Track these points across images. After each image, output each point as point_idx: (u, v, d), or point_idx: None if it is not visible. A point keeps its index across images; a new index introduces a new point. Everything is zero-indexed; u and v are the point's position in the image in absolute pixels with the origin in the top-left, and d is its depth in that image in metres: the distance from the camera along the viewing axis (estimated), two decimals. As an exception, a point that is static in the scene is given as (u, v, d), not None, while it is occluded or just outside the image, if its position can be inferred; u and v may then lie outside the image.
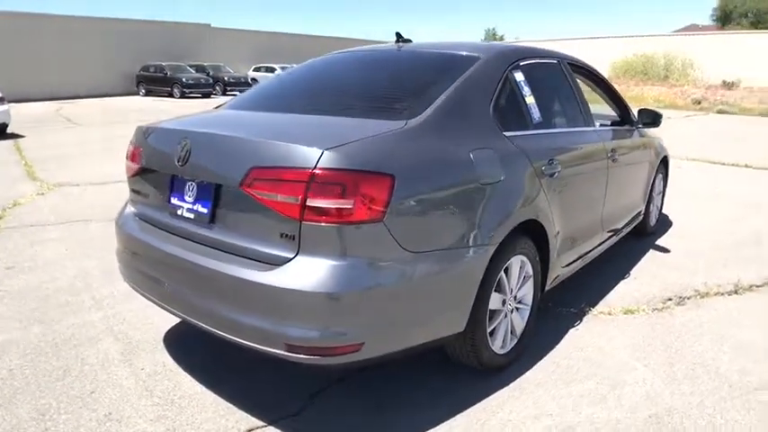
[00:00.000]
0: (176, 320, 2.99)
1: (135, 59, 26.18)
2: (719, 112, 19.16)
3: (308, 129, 2.23)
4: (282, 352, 1.88)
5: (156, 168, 2.37)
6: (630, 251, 4.17)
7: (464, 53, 2.67)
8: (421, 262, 1.96)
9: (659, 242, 4.46)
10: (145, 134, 2.47)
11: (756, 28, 37.45)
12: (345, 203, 1.80)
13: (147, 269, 2.35)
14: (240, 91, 27.11)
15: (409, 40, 3.03)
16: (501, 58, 2.65)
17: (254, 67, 31.67)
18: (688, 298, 3.35)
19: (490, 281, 2.23)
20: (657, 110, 4.00)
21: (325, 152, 1.82)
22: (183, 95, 24.07)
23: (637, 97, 22.25)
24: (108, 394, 2.34)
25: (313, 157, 1.82)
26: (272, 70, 30.73)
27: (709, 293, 3.41)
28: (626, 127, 3.78)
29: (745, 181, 7.09)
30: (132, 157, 2.51)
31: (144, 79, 25.82)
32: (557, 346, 2.74)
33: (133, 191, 2.58)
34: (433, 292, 2.05)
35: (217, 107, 2.96)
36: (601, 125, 3.54)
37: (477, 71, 2.48)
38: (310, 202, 1.81)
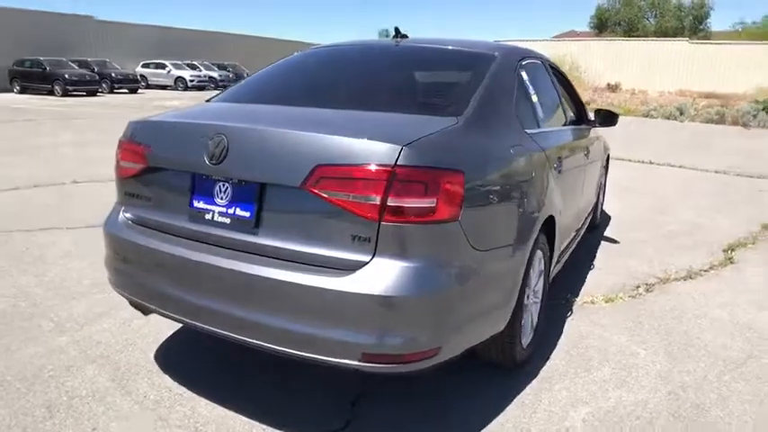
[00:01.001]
0: (163, 338, 2.73)
1: (7, 53, 23.56)
2: (605, 112, 20.97)
3: (365, 124, 2.08)
4: (358, 363, 1.75)
5: (173, 167, 2.10)
6: (585, 243, 4.43)
7: (480, 51, 2.69)
8: (486, 260, 1.94)
9: (606, 234, 4.78)
10: (154, 129, 2.21)
11: (629, 35, 41.27)
12: (428, 202, 1.72)
13: (161, 281, 2.08)
14: (130, 89, 25.37)
15: (406, 36, 2.98)
16: (512, 57, 2.69)
17: (142, 63, 29.76)
18: (653, 284, 3.62)
19: (525, 277, 2.25)
20: (613, 110, 4.27)
21: (405, 148, 1.72)
22: (65, 93, 22.04)
23: (531, 99, 23.77)
24: (114, 429, 2.06)
25: (392, 153, 1.71)
26: (162, 66, 29.07)
27: (669, 279, 3.72)
28: (587, 126, 4.01)
29: (652, 175, 7.81)
30: (131, 155, 2.21)
31: (19, 75, 23.31)
32: (561, 337, 2.84)
33: (128, 194, 2.27)
34: (492, 290, 2.03)
35: (209, 100, 2.73)
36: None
37: (499, 69, 2.50)
38: (391, 202, 1.69)
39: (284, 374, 2.41)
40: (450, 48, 2.81)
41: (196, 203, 2.03)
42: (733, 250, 4.36)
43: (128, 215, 2.28)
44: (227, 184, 1.96)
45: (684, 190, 6.82)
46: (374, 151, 1.73)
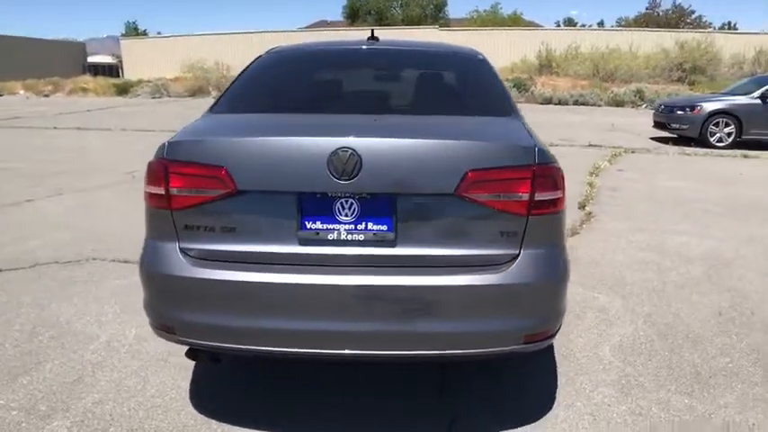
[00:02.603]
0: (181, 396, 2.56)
1: None
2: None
3: (465, 127, 2.25)
4: (520, 346, 2.02)
5: (269, 189, 1.95)
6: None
7: (469, 52, 3.02)
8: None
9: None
10: (233, 148, 1.99)
11: (380, 25, 44.62)
12: (559, 194, 2.02)
13: (266, 315, 1.95)
14: None
15: (377, 39, 3.07)
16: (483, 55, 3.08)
17: None
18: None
19: None
20: None
21: (537, 148, 1.99)
22: None
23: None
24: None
25: (532, 153, 1.97)
26: None
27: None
28: None
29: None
30: (198, 180, 1.95)
31: None
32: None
33: (190, 226, 1.98)
34: None
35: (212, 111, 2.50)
36: None
37: (493, 68, 2.87)
38: (538, 197, 1.94)
39: (355, 389, 2.54)
40: (450, 50, 3.10)
41: (310, 225, 1.94)
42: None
43: (190, 251, 2.01)
44: (351, 200, 1.93)
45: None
46: (517, 153, 1.98)
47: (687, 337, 3.09)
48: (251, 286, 1.94)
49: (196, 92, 23.26)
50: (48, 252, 4.32)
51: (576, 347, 2.95)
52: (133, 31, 56.02)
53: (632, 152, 9.77)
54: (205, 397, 2.47)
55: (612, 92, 20.62)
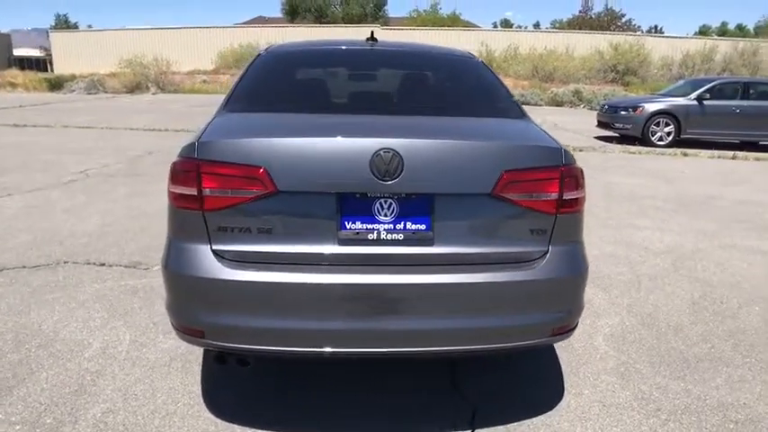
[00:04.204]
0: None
1: None
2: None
3: (491, 129, 2.32)
4: (547, 339, 2.11)
5: (308, 190, 1.93)
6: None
7: (466, 53, 3.10)
8: None
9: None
10: (271, 148, 1.94)
11: (320, 22, 44.33)
12: (582, 193, 2.13)
13: (303, 316, 1.93)
14: None
15: (375, 40, 3.08)
16: None
17: None
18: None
19: None
20: None
21: (563, 150, 2.10)
22: None
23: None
24: None
25: (559, 154, 2.07)
26: None
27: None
28: None
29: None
30: (234, 181, 1.91)
31: None
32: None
33: (223, 228, 1.93)
34: None
35: (228, 111, 2.43)
36: None
37: (492, 71, 2.97)
38: (566, 196, 2.04)
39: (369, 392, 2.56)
40: (450, 53, 3.15)
41: (349, 225, 1.95)
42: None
43: (224, 252, 1.95)
44: (390, 200, 1.95)
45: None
46: (547, 154, 2.08)
47: (669, 326, 3.29)
48: (289, 287, 1.92)
49: (134, 88, 22.31)
50: (11, 257, 4.05)
51: (572, 338, 3.06)
52: (63, 23, 53.02)
53: (580, 150, 10.20)
54: (220, 400, 2.41)
55: (552, 92, 21.43)
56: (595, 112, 13.03)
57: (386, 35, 30.94)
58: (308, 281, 1.91)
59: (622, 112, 11.39)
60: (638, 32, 34.88)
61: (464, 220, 2.02)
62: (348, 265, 1.95)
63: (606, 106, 12.25)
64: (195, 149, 1.95)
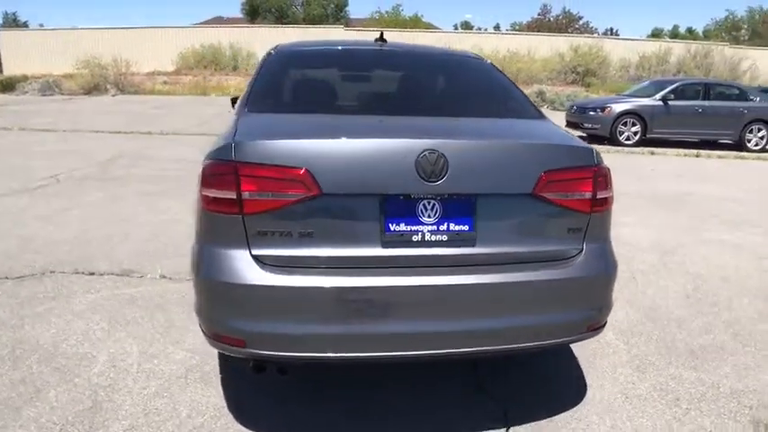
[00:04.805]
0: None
1: None
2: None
3: (520, 129, 2.36)
4: (581, 335, 2.15)
5: (351, 192, 1.89)
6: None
7: (477, 56, 3.13)
8: None
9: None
10: (315, 149, 1.90)
11: (281, 23, 43.87)
12: (611, 192, 2.18)
13: (348, 321, 1.90)
14: None
15: (385, 41, 3.07)
16: None
17: None
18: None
19: None
20: None
21: (594, 150, 2.14)
22: None
23: (219, 86, 23.65)
24: None
25: (592, 154, 2.12)
26: None
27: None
28: None
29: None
30: (277, 184, 1.85)
31: None
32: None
33: (263, 232, 1.86)
34: None
35: (248, 111, 2.35)
36: None
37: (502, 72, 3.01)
38: (599, 195, 2.09)
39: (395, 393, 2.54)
40: (457, 54, 3.22)
41: (393, 227, 1.92)
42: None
43: (264, 258, 1.89)
44: (433, 202, 1.93)
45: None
46: (582, 155, 2.12)
47: (671, 319, 3.39)
48: (333, 291, 1.87)
49: (92, 89, 21.48)
50: (-9, 267, 3.83)
51: (583, 334, 3.12)
52: (12, 22, 50.75)
53: (552, 150, 10.40)
54: (247, 412, 2.33)
55: (517, 93, 21.75)
56: (559, 113, 13.35)
57: (350, 35, 30.81)
58: (353, 284, 1.88)
59: (591, 113, 11.70)
60: (595, 35, 35.93)
61: (505, 220, 2.03)
62: (393, 267, 1.93)
63: (575, 107, 12.56)
64: (232, 151, 1.88)
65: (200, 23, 46.02)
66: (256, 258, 1.89)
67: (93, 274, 3.76)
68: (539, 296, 2.05)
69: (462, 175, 1.93)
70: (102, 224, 4.87)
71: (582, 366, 2.79)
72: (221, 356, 2.72)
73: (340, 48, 3.12)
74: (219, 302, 1.94)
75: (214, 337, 1.99)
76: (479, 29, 54.90)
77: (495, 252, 2.01)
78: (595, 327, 2.20)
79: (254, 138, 1.94)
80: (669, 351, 2.98)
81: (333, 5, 49.85)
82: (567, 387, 2.62)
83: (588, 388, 2.61)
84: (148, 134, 10.74)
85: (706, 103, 11.34)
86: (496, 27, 56.32)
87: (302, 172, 1.85)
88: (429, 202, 1.94)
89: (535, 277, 2.02)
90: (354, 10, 60.91)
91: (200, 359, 2.71)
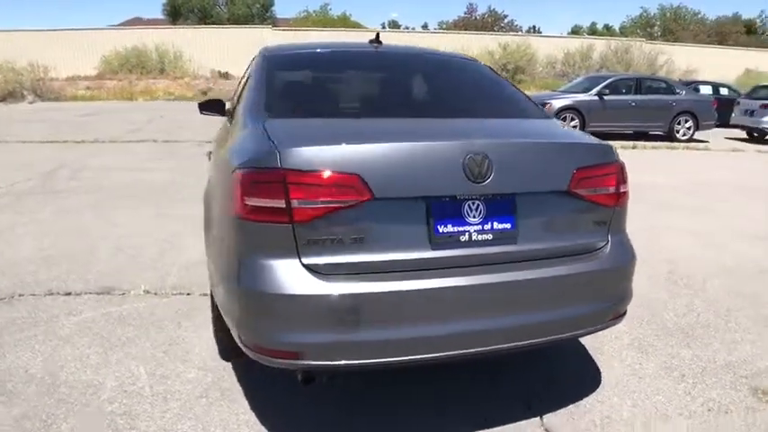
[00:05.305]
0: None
1: None
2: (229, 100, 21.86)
3: (549, 129, 2.45)
4: (605, 324, 2.25)
5: (400, 195, 1.89)
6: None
7: (466, 57, 3.20)
8: None
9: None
10: (366, 155, 1.87)
11: (204, 23, 42.58)
12: (628, 186, 2.29)
13: (402, 325, 1.89)
14: None
15: (380, 42, 3.05)
16: None
17: None
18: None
19: None
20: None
21: (614, 147, 2.25)
22: None
23: (147, 91, 22.69)
24: None
25: (612, 151, 2.24)
26: None
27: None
28: None
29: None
30: (329, 190, 1.81)
31: None
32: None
33: (314, 240, 1.82)
34: None
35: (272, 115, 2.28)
36: None
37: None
38: (621, 189, 2.21)
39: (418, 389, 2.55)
40: (455, 56, 3.24)
41: (442, 229, 1.93)
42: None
43: (316, 266, 1.84)
44: (477, 202, 1.97)
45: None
46: (606, 151, 2.23)
47: (657, 301, 3.59)
48: (388, 296, 1.86)
49: (7, 96, 19.93)
50: (-52, 294, 3.50)
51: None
52: None
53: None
54: (283, 423, 2.26)
55: (452, 91, 22.23)
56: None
57: (279, 36, 30.15)
58: (407, 287, 1.87)
59: (531, 109, 12.12)
60: (520, 33, 37.28)
61: (542, 217, 2.10)
62: (440, 268, 1.94)
63: (515, 103, 12.97)
64: (278, 158, 1.81)
65: (118, 25, 43.82)
66: (308, 267, 1.83)
67: (69, 294, 3.51)
68: (574, 288, 2.13)
69: (504, 174, 1.98)
70: (60, 240, 4.55)
71: (591, 352, 2.91)
72: (237, 370, 2.63)
73: (349, 50, 3.10)
74: (268, 315, 1.86)
75: (260, 351, 1.91)
76: (407, 28, 55.59)
77: (534, 248, 2.07)
78: (618, 315, 2.31)
79: (301, 144, 1.88)
80: (663, 332, 3.17)
81: (258, 5, 48.86)
82: (582, 373, 2.73)
83: (602, 370, 2.73)
84: (83, 142, 10.11)
85: (638, 97, 12.10)
86: (424, 26, 57.15)
87: (355, 177, 1.82)
88: (474, 203, 1.97)
89: (570, 270, 2.09)
90: (281, 10, 60.01)
91: (216, 376, 2.60)
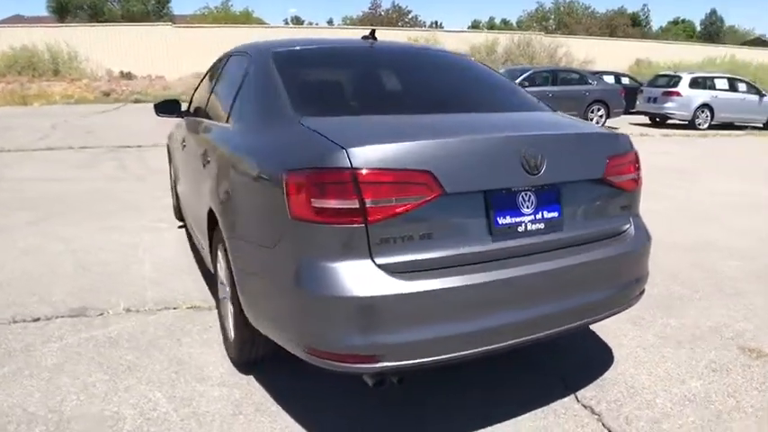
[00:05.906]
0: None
1: None
2: (136, 101, 20.61)
3: (569, 122, 2.59)
4: (628, 303, 2.40)
5: (464, 190, 1.91)
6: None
7: (460, 54, 3.28)
8: None
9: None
10: (437, 151, 1.88)
11: (96, 21, 39.77)
12: (639, 174, 2.44)
13: (471, 318, 1.91)
14: None
15: (376, 38, 3.04)
16: None
17: None
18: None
19: None
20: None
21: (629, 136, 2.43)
22: None
23: (43, 94, 20.90)
24: None
25: (629, 140, 2.41)
26: None
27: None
28: None
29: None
30: (404, 188, 1.80)
31: None
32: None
33: (386, 239, 1.79)
34: None
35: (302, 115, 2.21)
36: None
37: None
38: (639, 174, 2.38)
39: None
40: (449, 51, 3.32)
41: (501, 220, 1.98)
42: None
43: (389, 266, 1.81)
44: (529, 193, 2.04)
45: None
46: (626, 141, 2.40)
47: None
48: (459, 290, 1.87)
49: None
50: None
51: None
52: None
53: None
54: (329, 429, 2.21)
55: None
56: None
57: (181, 33, 28.62)
58: (474, 281, 1.90)
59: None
60: (425, 28, 38.17)
61: (582, 205, 2.22)
62: (504, 258, 1.99)
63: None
64: (347, 157, 1.76)
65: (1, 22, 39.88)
66: (381, 267, 1.81)
67: (38, 320, 3.18)
68: (609, 270, 2.27)
69: (552, 165, 2.07)
70: (9, 262, 4.10)
71: (596, 331, 3.07)
72: (263, 383, 2.53)
73: (357, 46, 3.04)
74: (341, 319, 1.81)
75: (330, 357, 1.85)
76: (311, 23, 55.09)
77: (577, 234, 2.18)
78: (640, 293, 2.48)
79: (367, 141, 1.84)
80: (647, 305, 3.40)
81: (153, 1, 46.39)
82: (598, 348, 2.91)
83: (612, 346, 2.91)
84: (10, 151, 9.16)
85: (555, 88, 12.86)
86: (329, 22, 56.94)
87: (426, 174, 1.82)
88: (526, 194, 2.05)
89: (605, 254, 2.23)
90: (178, 6, 57.29)
91: (243, 392, 2.48)
